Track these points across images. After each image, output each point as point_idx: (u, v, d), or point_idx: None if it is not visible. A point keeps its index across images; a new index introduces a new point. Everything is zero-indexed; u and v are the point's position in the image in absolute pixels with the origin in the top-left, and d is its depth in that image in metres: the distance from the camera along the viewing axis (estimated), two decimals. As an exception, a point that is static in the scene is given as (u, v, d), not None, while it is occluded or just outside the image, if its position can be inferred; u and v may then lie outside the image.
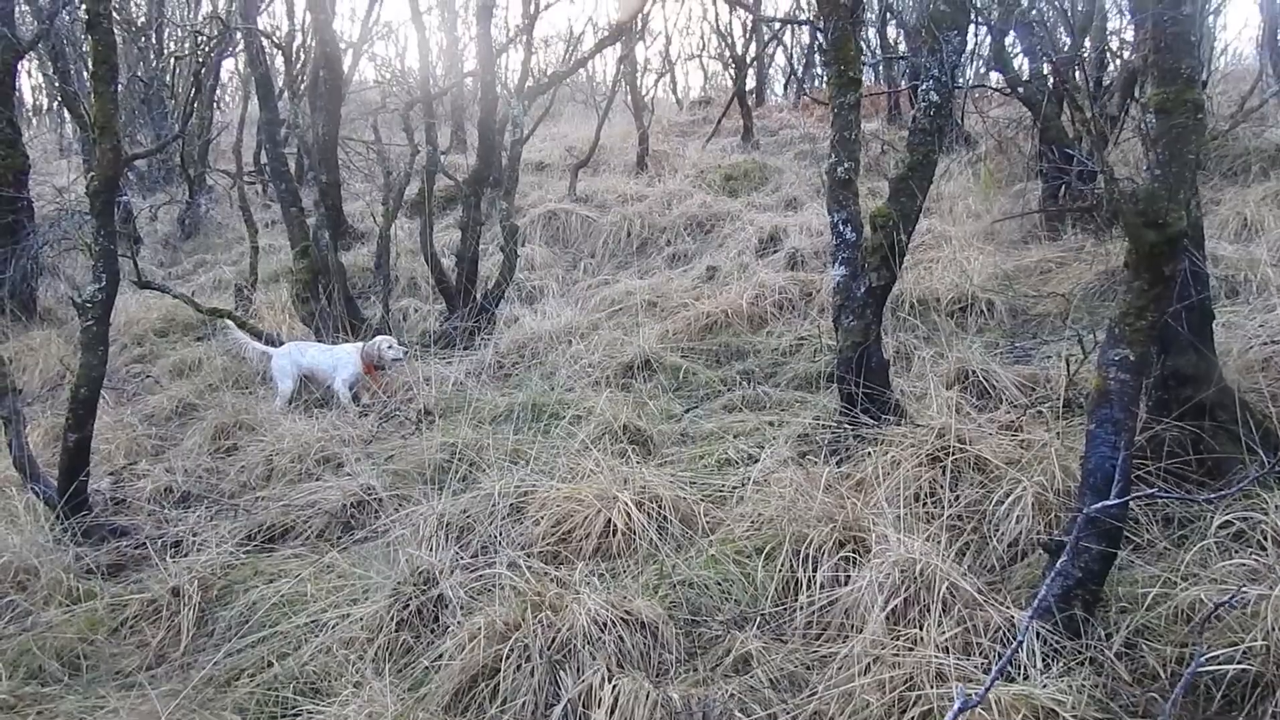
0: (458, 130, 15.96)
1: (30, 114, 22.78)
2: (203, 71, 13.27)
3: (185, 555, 4.63)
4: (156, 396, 7.46)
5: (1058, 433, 4.03)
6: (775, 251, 8.89)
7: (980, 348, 5.56)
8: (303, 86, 11.71)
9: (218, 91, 16.81)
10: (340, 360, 6.77)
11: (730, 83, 15.60)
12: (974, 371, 5.14)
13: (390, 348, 6.71)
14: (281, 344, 7.18)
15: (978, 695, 1.93)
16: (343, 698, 3.11)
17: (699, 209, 10.66)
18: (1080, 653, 2.75)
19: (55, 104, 20.83)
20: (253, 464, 5.66)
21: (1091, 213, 3.57)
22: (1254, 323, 4.91)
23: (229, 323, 7.44)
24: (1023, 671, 2.71)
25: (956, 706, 1.91)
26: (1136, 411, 2.91)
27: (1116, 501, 1.90)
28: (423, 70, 10.49)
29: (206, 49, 11.95)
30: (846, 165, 4.75)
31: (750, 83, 16.56)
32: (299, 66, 13.03)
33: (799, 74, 19.96)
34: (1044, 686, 2.54)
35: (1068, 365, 4.79)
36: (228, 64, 15.00)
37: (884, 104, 14.39)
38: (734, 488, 4.34)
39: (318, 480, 5.27)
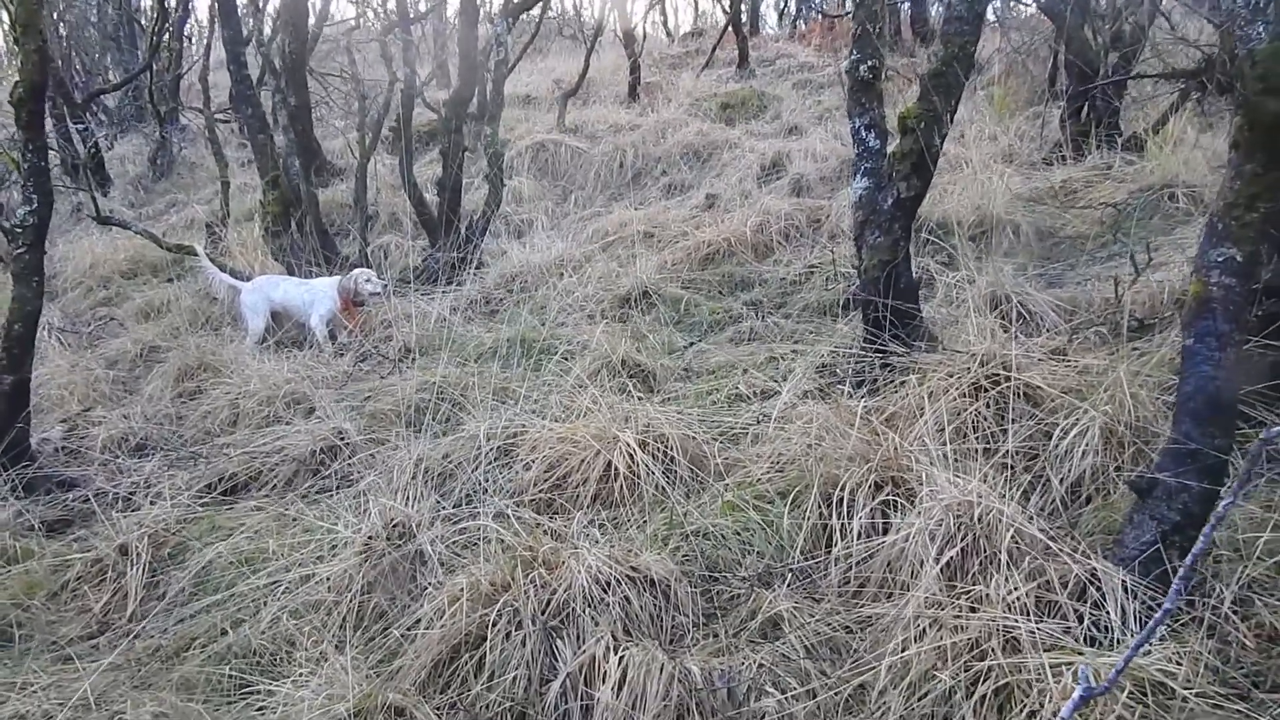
0: (440, 61, 15.24)
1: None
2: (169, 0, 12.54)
3: (137, 509, 4.17)
4: (119, 340, 6.93)
5: (1116, 358, 3.53)
6: (779, 178, 8.34)
7: (1010, 271, 5.06)
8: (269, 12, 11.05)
9: (189, 23, 15.96)
10: (316, 295, 6.26)
11: (723, 14, 14.92)
12: (1008, 296, 4.64)
13: (368, 281, 6.20)
14: (251, 279, 6.65)
15: (1108, 680, 1.47)
16: (300, 675, 2.64)
17: (695, 137, 10.07)
18: (1185, 611, 2.29)
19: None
20: (217, 409, 5.18)
21: (1200, 80, 3.10)
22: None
23: (200, 256, 6.89)
24: (1112, 637, 2.25)
25: (1077, 695, 1.44)
26: (1244, 323, 2.43)
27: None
28: (401, -6, 9.87)
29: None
30: (870, 64, 4.22)
31: (744, 13, 15.84)
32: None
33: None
34: (1148, 654, 2.08)
35: (1117, 286, 4.31)
36: (198, -4, 14.25)
37: (885, 28, 13.71)
38: (749, 425, 3.86)
39: (287, 425, 4.78)
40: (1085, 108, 7.47)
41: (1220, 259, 2.42)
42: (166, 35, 12.85)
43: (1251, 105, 2.28)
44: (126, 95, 15.21)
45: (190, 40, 17.09)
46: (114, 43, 16.21)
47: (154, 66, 12.61)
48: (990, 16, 12.61)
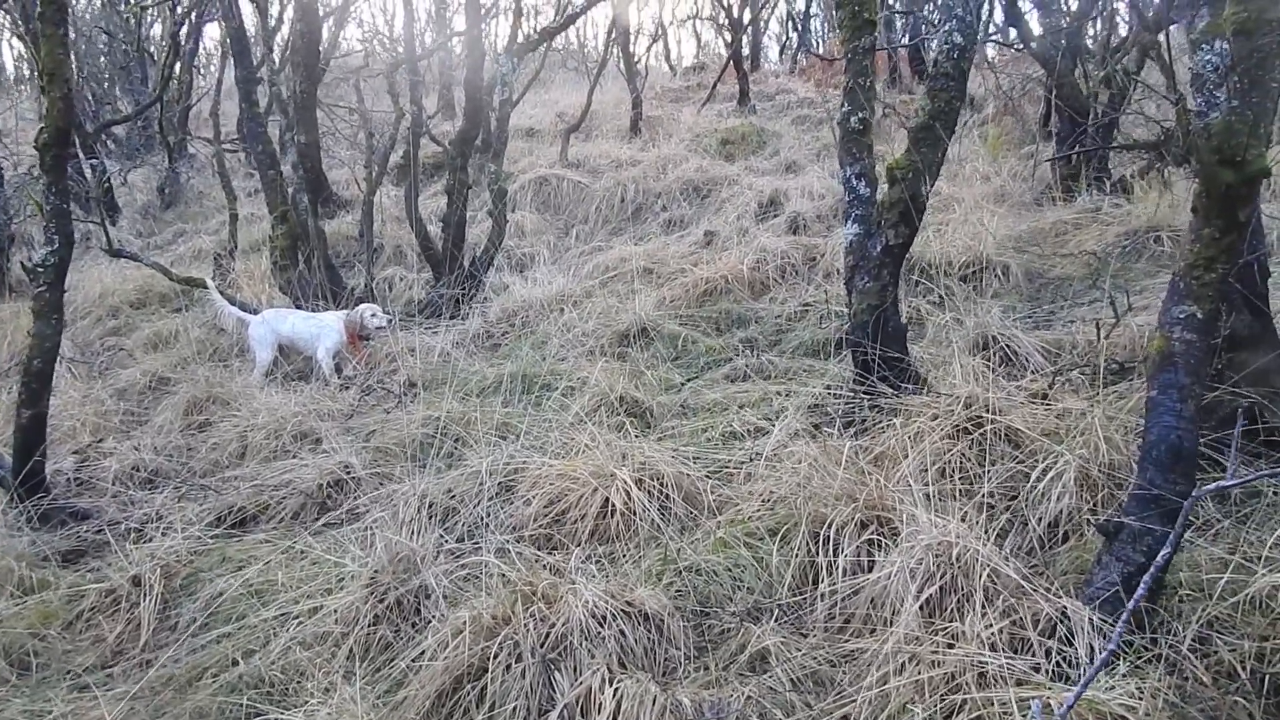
0: (445, 96, 15.48)
1: (12, 82, 22.15)
2: (181, 33, 12.77)
3: (149, 540, 4.30)
4: (129, 370, 7.08)
5: (1093, 401, 3.68)
6: (776, 216, 8.51)
7: (998, 313, 5.22)
8: (279, 42, 11.25)
9: (199, 56, 16.24)
10: (323, 329, 6.41)
11: (724, 48, 15.15)
12: (995, 337, 4.80)
13: (374, 315, 6.36)
14: (259, 312, 6.80)
15: (1058, 716, 1.60)
16: (310, 705, 2.77)
17: (695, 173, 10.26)
18: (1147, 649, 2.42)
19: (36, 72, 20.24)
20: (226, 441, 5.32)
21: (1159, 151, 3.26)
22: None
23: (209, 288, 7.05)
24: (1081, 673, 2.38)
25: (1031, 728, 1.57)
26: (1205, 376, 2.57)
27: (1234, 481, 1.58)
28: (407, 30, 10.05)
29: (184, 7, 11.44)
30: (860, 115, 4.40)
31: (745, 48, 16.10)
32: (274, 20, 12.51)
33: (798, 31, 19.45)
34: (1111, 690, 2.21)
35: (1098, 329, 4.46)
36: (210, 28, 14.45)
37: (884, 66, 13.94)
38: (742, 463, 4.00)
39: (294, 458, 4.92)
40: (1076, 148, 7.65)
41: (1182, 315, 2.57)
42: (178, 67, 13.08)
43: (1208, 175, 2.44)
44: (136, 125, 15.43)
45: (200, 71, 17.38)
46: (124, 72, 16.44)
47: (164, 98, 12.83)
48: (990, 51, 12.84)
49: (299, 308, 7.02)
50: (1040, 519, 3.14)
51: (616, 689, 2.61)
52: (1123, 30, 8.69)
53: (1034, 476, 3.25)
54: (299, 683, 3.02)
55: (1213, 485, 1.67)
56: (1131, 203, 6.83)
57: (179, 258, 10.48)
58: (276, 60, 9.25)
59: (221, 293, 7.09)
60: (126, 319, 8.84)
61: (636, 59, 14.21)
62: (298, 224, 7.36)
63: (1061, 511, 3.14)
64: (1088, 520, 3.05)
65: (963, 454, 3.48)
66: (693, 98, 15.43)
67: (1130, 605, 1.63)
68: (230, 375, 6.39)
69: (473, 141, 7.75)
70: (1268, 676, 2.36)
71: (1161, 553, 1.67)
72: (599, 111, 13.61)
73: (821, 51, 16.78)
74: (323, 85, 11.94)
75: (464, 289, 7.30)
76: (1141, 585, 1.64)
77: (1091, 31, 8.80)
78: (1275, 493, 3.06)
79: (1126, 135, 6.95)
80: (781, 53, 20.68)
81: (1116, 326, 4.43)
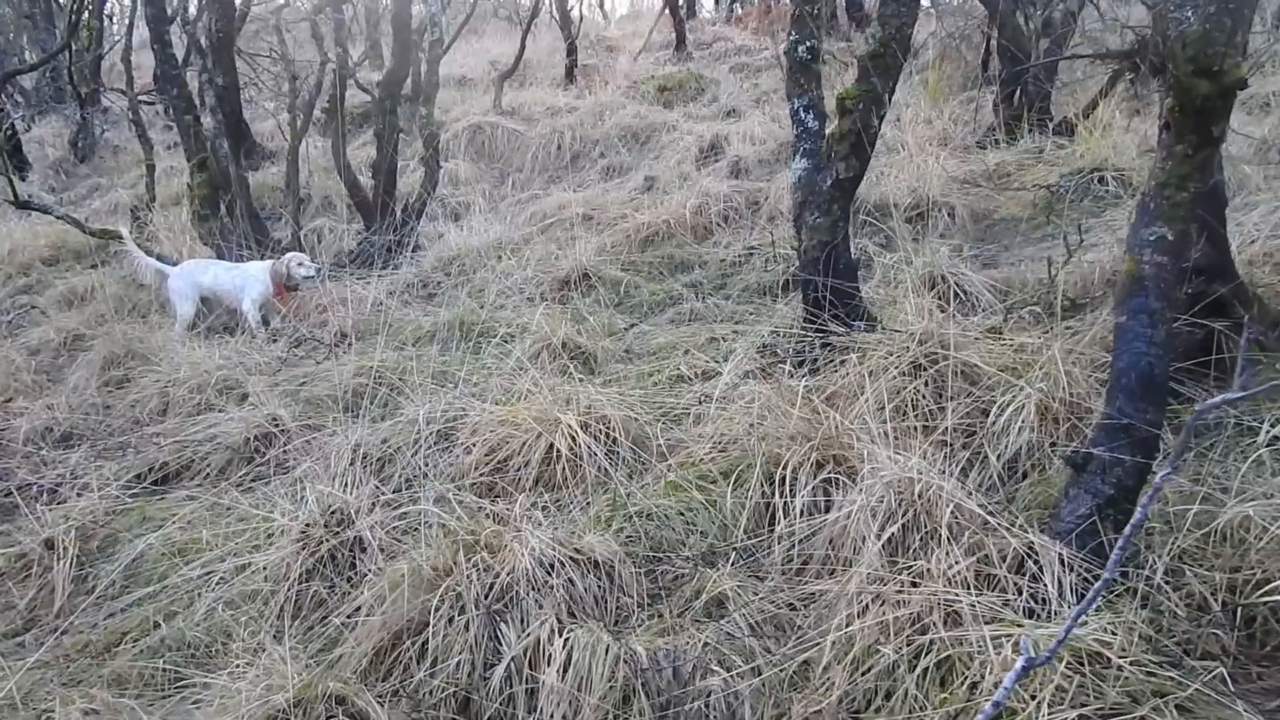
0: (374, 44, 14.98)
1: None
2: (87, -25, 12.10)
3: (63, 501, 4.05)
4: (41, 328, 6.71)
5: (1048, 336, 3.58)
6: (717, 161, 8.33)
7: (946, 252, 5.12)
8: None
9: (110, 1, 15.45)
10: (247, 279, 6.11)
11: (659, -2, 14.85)
12: (944, 276, 4.69)
13: (301, 265, 6.07)
14: (179, 264, 6.47)
15: (1048, 650, 1.48)
16: (237, 667, 2.58)
17: (633, 120, 10.02)
18: (1119, 583, 2.33)
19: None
20: (146, 397, 5.05)
21: (1133, 61, 3.14)
22: (1249, 219, 4.52)
23: (124, 240, 6.69)
24: (1050, 609, 2.29)
25: (1020, 665, 1.46)
26: (1176, 300, 2.47)
27: (1240, 394, 1.47)
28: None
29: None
30: (808, 45, 4.24)
31: (680, -3, 15.80)
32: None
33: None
34: (1085, 625, 2.12)
35: (1050, 266, 4.38)
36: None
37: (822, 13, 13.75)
38: (691, 406, 3.85)
39: (219, 412, 4.67)
40: (1017, 92, 7.58)
41: (1152, 237, 2.46)
42: (86, 13, 12.42)
43: (1182, 87, 2.32)
44: (45, 76, 14.69)
45: (111, 19, 16.57)
46: (29, 21, 15.64)
47: (73, 46, 12.18)
48: (925, 1, 12.76)
49: (221, 259, 6.70)
50: (1001, 455, 3.04)
51: (567, 639, 2.46)
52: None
53: (993, 412, 3.15)
54: (224, 644, 2.83)
55: (1219, 398, 1.55)
56: (1074, 143, 6.79)
57: (94, 213, 10.02)
58: (193, 6, 8.85)
59: (139, 245, 6.74)
60: (39, 276, 8.41)
61: (570, 6, 13.87)
62: (218, 172, 7.01)
63: (1022, 446, 3.04)
64: (1050, 454, 2.96)
65: (919, 391, 3.37)
66: (628, 46, 15.11)
67: (1126, 533, 1.51)
68: (150, 330, 6.08)
69: (401, 83, 7.44)
70: (1239, 608, 2.28)
71: (1159, 476, 1.54)
72: (533, 60, 13.28)
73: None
74: (245, 35, 11.46)
75: (396, 238, 7.02)
76: (1139, 509, 1.52)
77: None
78: (1237, 424, 2.99)
79: (1099, 45, 6.85)
80: (717, 2, 20.39)
81: (1068, 263, 4.37)
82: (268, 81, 12.36)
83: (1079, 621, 2.04)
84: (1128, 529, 1.52)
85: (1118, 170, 6.04)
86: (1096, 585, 1.49)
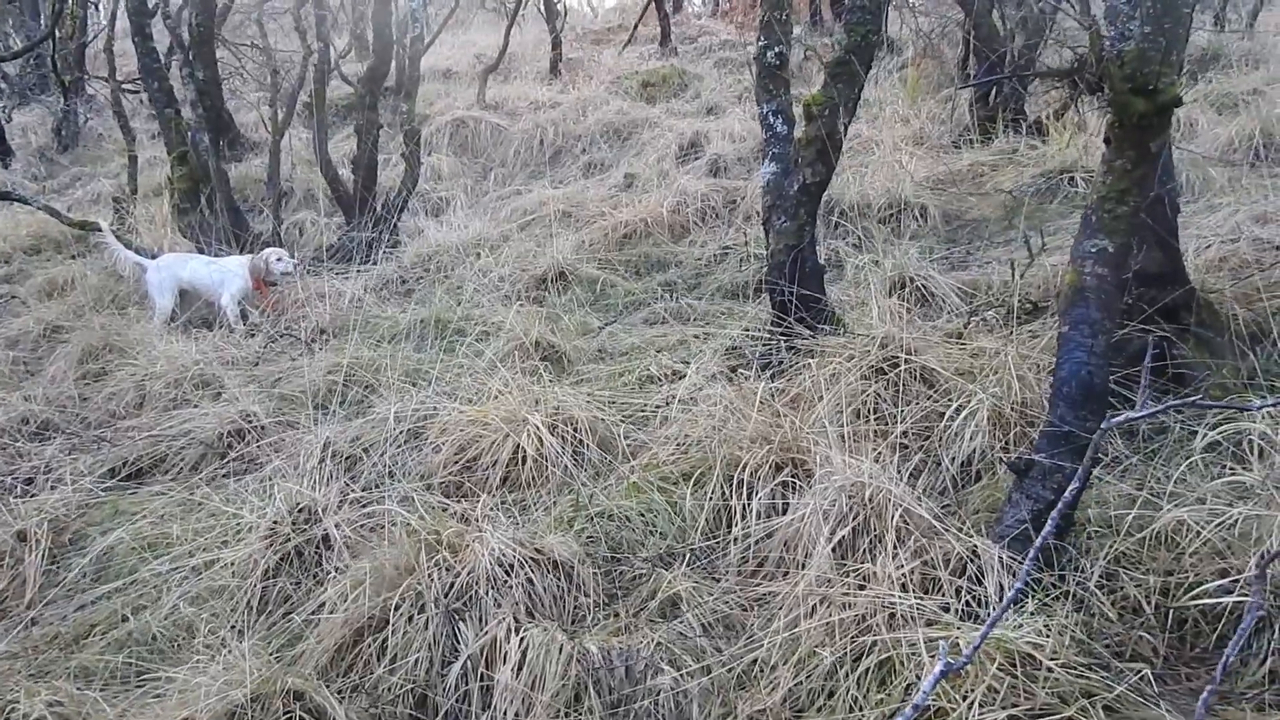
0: (358, 36, 14.96)
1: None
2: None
3: (37, 494, 4.09)
4: (20, 319, 6.73)
5: (1007, 340, 3.66)
6: (697, 158, 8.39)
7: (916, 254, 5.19)
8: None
9: (94, -9, 15.39)
10: (226, 274, 6.14)
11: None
12: (911, 279, 4.77)
13: (279, 260, 6.10)
14: (158, 257, 6.49)
15: (964, 656, 1.55)
16: (199, 661, 2.64)
17: (615, 116, 10.07)
18: (1055, 586, 2.41)
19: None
20: (122, 390, 5.08)
21: (1073, 80, 3.19)
22: (1208, 222, 4.60)
23: (102, 231, 6.71)
24: (990, 612, 2.36)
25: (938, 670, 1.53)
26: (1117, 310, 2.55)
27: (1143, 413, 1.54)
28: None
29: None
30: (777, 51, 4.29)
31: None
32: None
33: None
34: (1019, 627, 2.19)
35: (1013, 269, 4.46)
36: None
37: (806, 7, 13.81)
38: (657, 407, 3.91)
39: (194, 407, 4.71)
40: (993, 93, 7.66)
41: (1094, 250, 2.54)
42: (70, 2, 12.38)
43: (1120, 104, 2.39)
44: (28, 63, 14.63)
45: (97, 6, 16.50)
46: (14, 7, 15.57)
47: (57, 34, 12.15)
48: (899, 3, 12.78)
49: (201, 253, 6.73)
50: (954, 458, 3.12)
51: (522, 638, 2.52)
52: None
53: (947, 416, 3.22)
54: (189, 639, 2.89)
55: (1121, 417, 1.63)
56: (1047, 144, 6.87)
57: (77, 202, 10.02)
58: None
59: (118, 236, 6.77)
60: (20, 266, 8.41)
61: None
62: (198, 165, 7.03)
63: (974, 450, 3.12)
64: (999, 459, 3.04)
65: (878, 394, 3.44)
66: (613, 40, 15.14)
67: (1038, 542, 1.59)
68: (128, 323, 6.11)
69: (382, 78, 7.47)
70: (1171, 610, 2.37)
71: (1069, 488, 1.62)
72: (518, 53, 13.29)
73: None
74: (229, 25, 11.45)
75: (376, 233, 7.06)
76: (1050, 522, 1.60)
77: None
78: (1181, 428, 3.07)
79: (1074, 43, 6.95)
80: (704, -4, 20.40)
81: (1031, 266, 4.44)
82: (252, 71, 12.36)
83: (1012, 625, 2.13)
84: (1045, 530, 1.59)
85: (1087, 172, 6.12)
86: (1009, 593, 1.56)
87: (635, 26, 14.59)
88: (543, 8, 13.01)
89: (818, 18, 13.81)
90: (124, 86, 10.61)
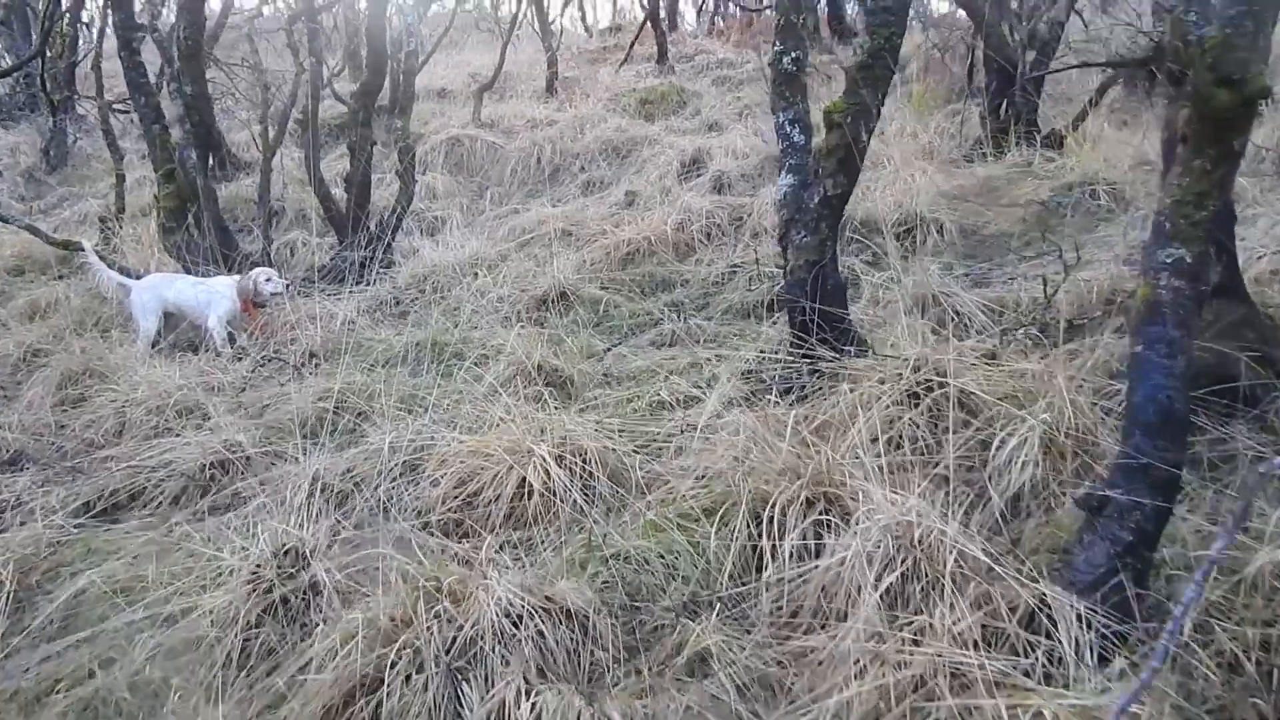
0: (351, 54, 14.74)
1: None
2: (62, -17, 11.83)
3: (5, 530, 3.81)
4: (0, 341, 6.44)
5: (1049, 361, 3.39)
6: (699, 175, 8.15)
7: (936, 271, 4.94)
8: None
9: (85, 6, 15.16)
10: (214, 295, 5.87)
11: (641, 10, 14.69)
12: (935, 296, 4.51)
13: (268, 280, 5.83)
14: (142, 277, 6.22)
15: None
16: (170, 728, 2.35)
17: (614, 133, 9.84)
18: (1143, 642, 2.12)
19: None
20: (101, 417, 4.79)
21: (1148, 69, 2.99)
22: (1250, 233, 4.35)
23: (86, 253, 6.44)
24: (1067, 672, 2.08)
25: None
26: (1195, 327, 2.28)
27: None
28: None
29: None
30: (794, 56, 4.05)
31: (662, 10, 15.64)
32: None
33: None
34: (1104, 692, 1.91)
35: (1045, 286, 4.21)
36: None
37: (807, 23, 13.64)
38: (671, 435, 3.64)
39: (176, 436, 4.43)
40: (1004, 104, 7.44)
41: (1169, 260, 2.28)
42: (61, 20, 12.16)
43: (1202, 96, 2.14)
44: (18, 82, 14.41)
45: (87, 26, 16.29)
46: (3, 28, 15.35)
47: (47, 53, 11.91)
48: (909, 14, 12.66)
49: (188, 273, 6.45)
50: (1004, 492, 2.84)
51: (535, 702, 2.24)
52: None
53: (995, 445, 2.95)
54: (163, 697, 2.59)
55: (1277, 462, 1.35)
56: (1063, 156, 6.64)
57: (64, 222, 9.75)
58: (170, 16, 8.58)
59: (101, 256, 6.49)
60: (3, 287, 8.14)
61: (551, 19, 13.71)
62: (185, 182, 6.77)
63: (1026, 484, 2.84)
64: (1057, 492, 2.76)
65: (914, 422, 3.17)
66: (610, 58, 14.95)
67: (1179, 612, 1.30)
68: (110, 347, 5.82)
69: (376, 94, 7.22)
70: (1275, 669, 2.08)
71: (1216, 545, 1.34)
72: (513, 72, 13.10)
73: (744, 3, 16.45)
74: (222, 44, 11.22)
75: (370, 253, 6.79)
76: (1194, 586, 1.32)
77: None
78: (1251, 457, 2.80)
79: (1113, 52, 6.68)
80: (699, 14, 20.25)
81: (1064, 283, 4.19)
82: (244, 89, 12.13)
83: (1087, 685, 1.85)
84: (1186, 600, 1.31)
85: (1110, 184, 5.89)
86: (1146, 673, 1.28)
87: (632, 45, 14.42)
88: (537, 27, 12.82)
89: (815, 34, 13.65)
90: (114, 105, 10.37)
